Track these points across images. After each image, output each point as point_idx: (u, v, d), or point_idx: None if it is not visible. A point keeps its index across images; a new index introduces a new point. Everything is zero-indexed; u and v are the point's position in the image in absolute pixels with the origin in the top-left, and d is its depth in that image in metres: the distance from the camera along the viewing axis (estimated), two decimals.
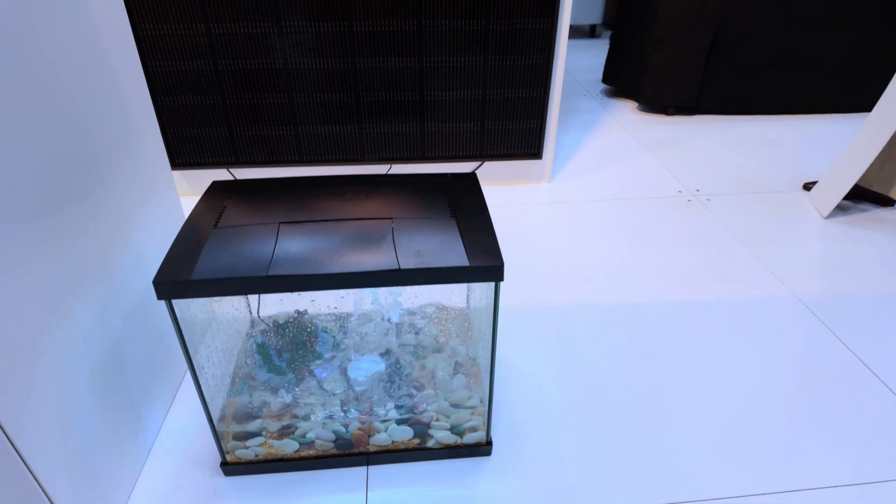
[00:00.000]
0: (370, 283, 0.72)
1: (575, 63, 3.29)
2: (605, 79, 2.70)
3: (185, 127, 1.61)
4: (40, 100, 0.71)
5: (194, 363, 0.79)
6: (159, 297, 0.69)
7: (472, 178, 0.92)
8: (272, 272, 0.69)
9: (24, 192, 0.67)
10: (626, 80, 2.58)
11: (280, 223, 0.77)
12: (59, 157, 0.74)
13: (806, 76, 2.37)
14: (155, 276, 0.69)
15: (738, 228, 1.62)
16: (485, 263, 0.72)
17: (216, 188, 0.87)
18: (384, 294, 0.99)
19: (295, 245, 0.74)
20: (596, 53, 3.49)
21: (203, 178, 1.72)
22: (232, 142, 1.64)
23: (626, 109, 2.54)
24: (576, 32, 4.05)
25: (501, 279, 0.74)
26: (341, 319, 1.05)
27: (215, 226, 0.77)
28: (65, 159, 0.75)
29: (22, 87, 0.67)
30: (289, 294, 0.95)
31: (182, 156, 1.67)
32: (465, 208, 0.83)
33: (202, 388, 0.80)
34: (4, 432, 0.64)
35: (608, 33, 3.99)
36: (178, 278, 0.69)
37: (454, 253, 0.74)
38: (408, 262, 0.72)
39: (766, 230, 1.62)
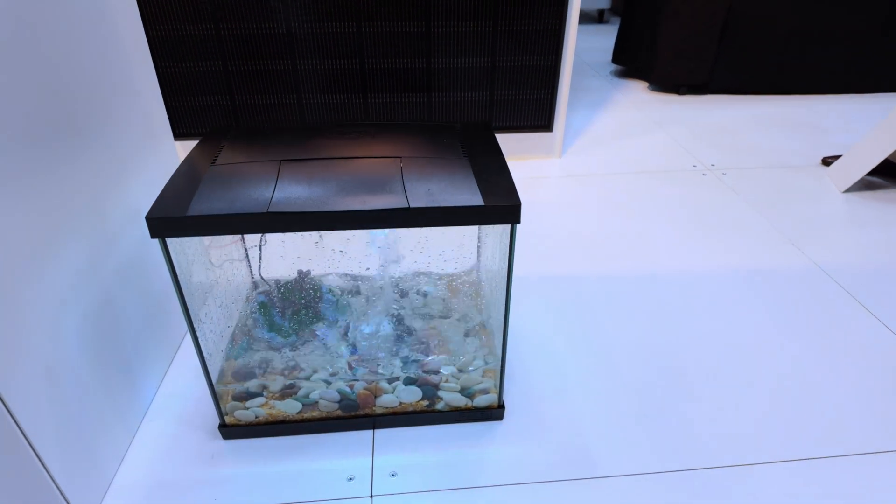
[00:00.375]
0: (377, 223, 0.67)
1: (584, 45, 3.23)
2: (616, 59, 2.64)
3: (185, 95, 1.57)
4: (37, 39, 0.66)
5: (192, 318, 0.74)
6: (153, 235, 0.65)
7: (485, 124, 0.87)
8: (273, 209, 0.65)
9: (17, 126, 0.63)
10: (636, 59, 2.52)
11: (281, 160, 0.72)
12: (53, 93, 0.70)
13: (822, 54, 2.30)
14: (148, 213, 0.64)
15: (756, 201, 1.57)
16: (501, 203, 0.67)
17: (215, 132, 0.83)
18: (386, 243, 0.94)
19: (297, 182, 0.69)
20: (604, 37, 3.44)
21: None
22: (234, 110, 1.59)
23: (637, 89, 2.49)
24: (584, 18, 3.99)
25: (518, 221, 0.69)
26: (346, 280, 1.01)
27: (213, 163, 0.72)
28: (58, 97, 0.71)
29: (21, 27, 0.63)
30: (291, 242, 0.90)
31: (182, 125, 1.62)
32: (479, 150, 0.78)
33: (199, 340, 0.76)
34: None
35: (616, 19, 3.94)
36: (172, 214, 0.64)
37: (468, 192, 0.69)
38: (418, 201, 0.67)
39: (784, 202, 1.56)
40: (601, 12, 3.93)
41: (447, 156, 0.75)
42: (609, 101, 2.33)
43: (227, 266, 0.93)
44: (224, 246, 0.91)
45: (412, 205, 0.66)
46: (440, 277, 1.04)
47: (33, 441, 0.66)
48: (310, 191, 0.68)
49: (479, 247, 1.02)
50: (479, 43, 1.56)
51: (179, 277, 0.70)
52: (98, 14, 0.81)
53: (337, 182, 0.69)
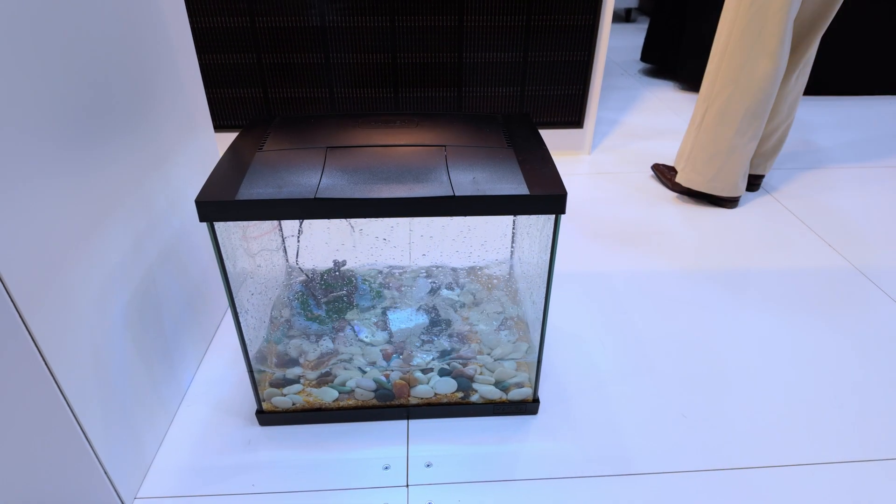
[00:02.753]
0: (423, 211, 0.67)
1: (611, 44, 3.20)
2: (644, 57, 2.62)
3: (219, 87, 1.59)
4: (90, 29, 0.67)
5: (236, 303, 0.75)
6: (202, 219, 0.65)
7: (525, 116, 0.86)
8: (320, 195, 0.65)
9: (70, 114, 0.64)
10: (666, 58, 2.49)
11: (328, 148, 0.72)
12: (102, 82, 0.71)
13: (857, 53, 2.25)
14: (197, 196, 0.65)
15: (790, 201, 1.54)
16: (546, 192, 0.67)
17: (259, 120, 0.83)
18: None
19: (343, 169, 0.69)
20: (632, 36, 3.40)
21: None
22: (266, 103, 1.61)
23: (667, 88, 2.46)
24: (611, 17, 3.95)
25: (563, 211, 0.68)
26: (382, 273, 1.01)
27: (260, 149, 0.73)
28: (107, 86, 0.72)
29: (79, 21, 0.64)
30: (329, 230, 0.90)
31: (215, 118, 1.64)
32: (522, 140, 0.77)
33: (241, 325, 0.76)
34: (43, 358, 0.61)
35: (643, 18, 3.90)
36: (221, 198, 0.65)
37: (513, 182, 0.68)
38: (463, 189, 0.67)
39: (820, 203, 1.53)
40: (628, 11, 3.89)
41: (491, 145, 0.75)
42: (638, 100, 2.31)
43: (265, 254, 0.94)
44: (261, 235, 0.92)
45: (457, 193, 0.66)
46: (475, 269, 1.03)
47: (82, 421, 0.67)
48: (356, 178, 0.68)
49: (513, 238, 1.01)
50: (511, 37, 1.55)
51: (225, 262, 0.71)
52: (148, 5, 0.82)
53: (382, 170, 0.69)
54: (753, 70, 1.29)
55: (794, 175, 1.68)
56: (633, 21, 3.86)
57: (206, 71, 1.56)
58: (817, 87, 2.30)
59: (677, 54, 2.41)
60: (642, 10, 4.00)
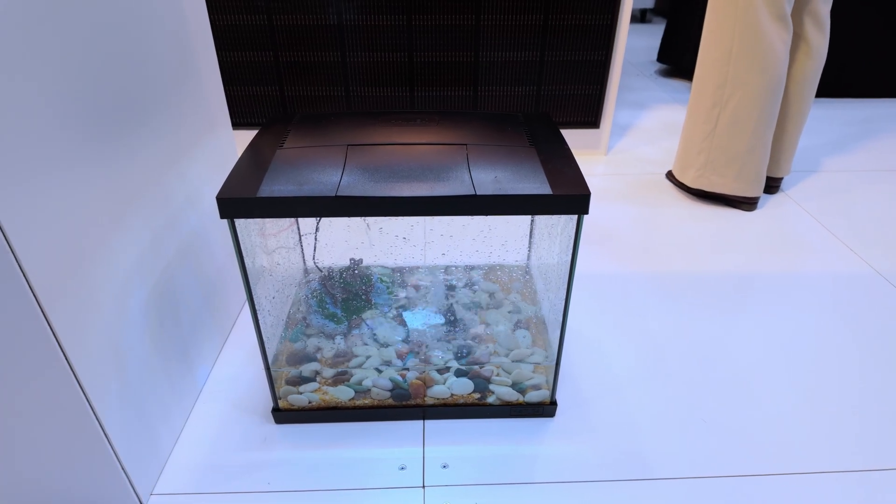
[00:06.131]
0: (444, 210, 0.66)
1: (626, 45, 3.18)
2: (661, 57, 2.59)
3: (236, 84, 1.59)
4: (109, 24, 0.67)
5: (255, 301, 0.74)
6: (223, 216, 0.65)
7: (545, 115, 0.86)
8: (341, 193, 0.65)
9: (89, 109, 0.64)
10: (682, 59, 2.47)
11: (348, 145, 0.72)
12: (123, 79, 0.71)
13: (884, 57, 2.22)
14: (218, 193, 0.65)
15: (809, 204, 1.51)
16: (569, 192, 0.66)
17: (279, 117, 0.83)
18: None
19: (364, 167, 0.69)
20: (647, 37, 3.38)
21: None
22: (283, 101, 1.61)
23: (684, 88, 2.44)
24: None
25: (586, 211, 0.67)
26: (399, 272, 1.01)
27: (280, 146, 0.72)
28: (126, 81, 0.72)
29: (93, 14, 0.64)
30: (346, 229, 0.90)
31: (232, 115, 1.64)
32: (543, 139, 0.77)
33: (259, 321, 0.76)
34: (63, 352, 0.61)
35: (658, 19, 3.87)
36: (242, 195, 0.64)
37: (535, 181, 0.67)
38: (485, 189, 0.66)
39: (839, 205, 1.50)
40: (643, 12, 3.86)
41: (513, 144, 0.74)
42: (654, 100, 2.29)
43: (282, 251, 0.94)
44: (279, 233, 0.92)
45: (479, 192, 0.66)
46: (494, 268, 1.03)
47: (100, 416, 0.67)
48: (376, 176, 0.67)
49: (530, 238, 1.01)
50: (528, 37, 1.54)
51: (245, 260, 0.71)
52: (169, 0, 0.82)
53: (403, 168, 0.69)
54: (763, 66, 1.30)
55: (812, 177, 1.66)
56: (649, 22, 3.84)
57: (224, 68, 1.56)
58: (838, 89, 2.27)
59: (694, 55, 2.38)
60: (658, 10, 3.97)
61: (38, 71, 0.56)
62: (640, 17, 3.90)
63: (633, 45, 3.18)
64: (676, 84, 2.49)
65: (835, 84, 2.25)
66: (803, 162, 1.75)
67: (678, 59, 2.51)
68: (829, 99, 2.29)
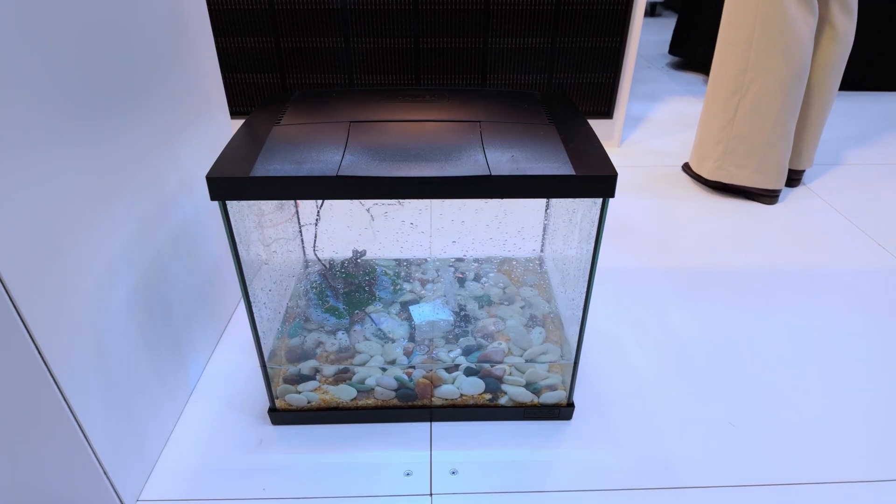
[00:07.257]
0: (455, 193, 0.60)
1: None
2: (673, 49, 2.53)
3: (236, 72, 1.53)
4: (103, 6, 0.62)
5: (249, 292, 0.69)
6: (213, 198, 0.59)
7: (563, 95, 0.79)
8: (343, 172, 0.59)
9: (71, 80, 0.58)
10: (695, 51, 2.41)
11: (351, 122, 0.66)
12: (112, 54, 0.65)
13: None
14: (209, 172, 0.59)
15: (832, 197, 1.45)
16: (594, 173, 0.60)
17: (277, 95, 0.77)
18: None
19: (368, 146, 0.63)
20: (657, 30, 3.31)
21: None
22: (284, 88, 1.55)
23: (696, 81, 2.37)
24: None
25: (612, 194, 0.61)
26: (405, 263, 0.95)
27: (277, 123, 0.66)
28: (118, 61, 0.66)
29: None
30: (353, 215, 0.84)
31: (232, 104, 1.59)
32: (563, 116, 0.70)
33: (254, 314, 0.70)
34: (37, 348, 0.55)
35: (668, 13, 3.80)
36: (235, 174, 0.58)
37: (556, 160, 0.61)
38: (500, 169, 0.60)
39: (863, 198, 1.44)
40: (653, 6, 3.79)
41: (531, 121, 0.68)
42: (666, 93, 2.22)
43: (281, 241, 0.88)
44: (278, 224, 0.86)
45: (493, 173, 0.60)
46: (507, 260, 0.97)
47: (79, 416, 0.61)
48: (382, 155, 0.61)
49: (545, 227, 0.94)
50: (539, 22, 1.48)
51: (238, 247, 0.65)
52: None
53: (411, 146, 0.63)
54: (786, 50, 1.23)
55: (835, 171, 1.59)
56: (658, 15, 3.77)
57: (223, 55, 1.51)
58: (859, 82, 2.20)
59: (706, 47, 2.32)
60: (667, 4, 3.90)
61: (12, 40, 0.50)
62: (649, 10, 3.83)
63: (644, 37, 3.12)
64: (689, 77, 2.43)
65: (853, 77, 2.18)
66: (824, 155, 1.69)
67: (691, 52, 2.44)
68: (847, 92, 2.22)
